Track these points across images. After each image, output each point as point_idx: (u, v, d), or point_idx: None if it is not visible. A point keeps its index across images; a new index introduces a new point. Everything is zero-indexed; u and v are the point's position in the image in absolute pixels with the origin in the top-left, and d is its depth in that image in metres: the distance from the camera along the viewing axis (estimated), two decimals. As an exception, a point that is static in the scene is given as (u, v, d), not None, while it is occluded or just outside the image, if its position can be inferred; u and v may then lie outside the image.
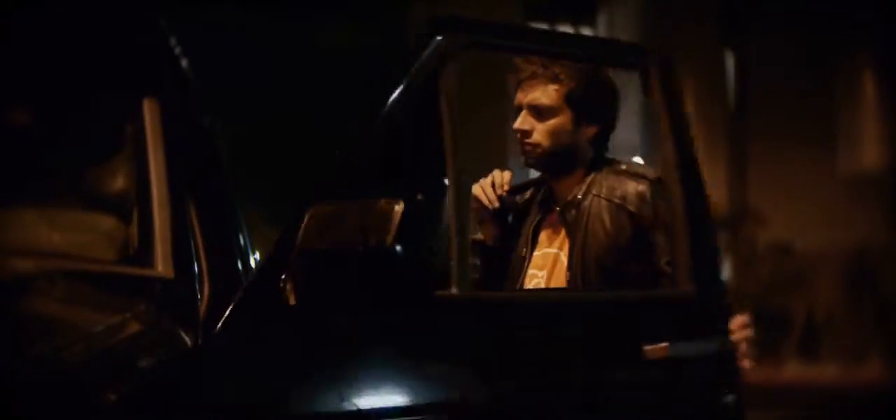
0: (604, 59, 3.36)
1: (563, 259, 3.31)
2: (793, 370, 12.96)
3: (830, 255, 13.68)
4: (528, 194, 3.49)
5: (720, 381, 3.16)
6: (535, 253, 3.37)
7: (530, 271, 3.36)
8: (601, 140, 3.35)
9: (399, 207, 2.51)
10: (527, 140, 3.30)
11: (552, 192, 3.40)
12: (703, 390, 3.15)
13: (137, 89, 2.87)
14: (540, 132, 3.28)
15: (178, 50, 3.08)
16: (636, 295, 3.18)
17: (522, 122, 3.30)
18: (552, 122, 3.28)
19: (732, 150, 15.41)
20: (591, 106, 3.30)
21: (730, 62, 15.71)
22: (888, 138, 14.16)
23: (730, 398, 3.17)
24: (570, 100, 3.28)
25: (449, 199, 2.75)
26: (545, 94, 3.28)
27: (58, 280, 2.59)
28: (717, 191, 15.32)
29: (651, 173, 3.27)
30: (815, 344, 13.42)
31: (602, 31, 18.60)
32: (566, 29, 18.98)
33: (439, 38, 2.80)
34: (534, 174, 3.52)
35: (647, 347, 2.98)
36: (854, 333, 13.18)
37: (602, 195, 3.25)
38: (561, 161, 3.32)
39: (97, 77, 2.91)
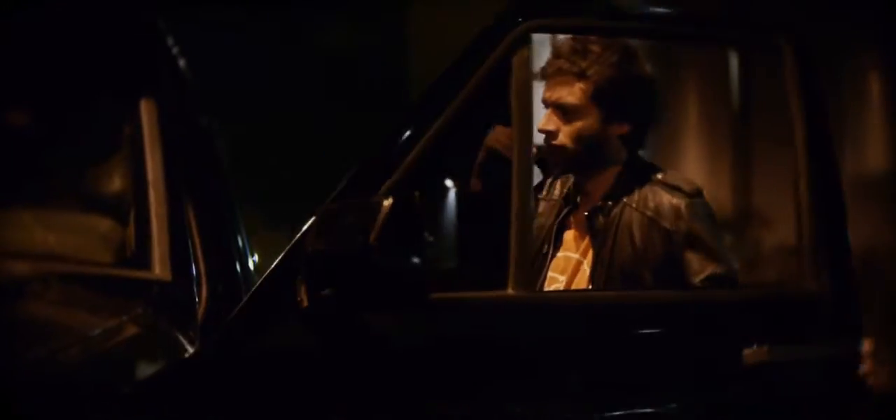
0: (724, 38, 3.13)
1: (586, 267, 3.15)
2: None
3: (836, 258, 13.65)
4: (550, 182, 3.34)
5: (836, 390, 2.91)
6: (558, 254, 3.23)
7: (550, 274, 3.22)
8: (635, 139, 3.17)
9: (387, 203, 2.46)
10: (552, 142, 3.13)
11: (579, 185, 3.24)
12: (812, 401, 2.90)
13: (135, 90, 2.86)
14: (565, 134, 3.11)
15: (175, 50, 3.08)
16: (747, 294, 3.03)
17: (547, 122, 3.13)
18: (578, 124, 3.11)
19: (737, 151, 15.39)
20: (622, 103, 3.12)
21: (734, 65, 15.70)
22: None
23: (847, 410, 2.93)
24: (597, 97, 3.10)
25: (514, 195, 2.68)
26: (571, 92, 3.11)
27: (54, 283, 2.59)
28: (721, 192, 15.34)
29: (689, 186, 3.11)
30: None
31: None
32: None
33: (520, 20, 2.74)
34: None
35: (747, 352, 2.79)
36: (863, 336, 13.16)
37: (634, 205, 3.09)
38: (589, 161, 3.15)
39: (94, 77, 2.91)
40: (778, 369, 2.81)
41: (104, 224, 2.83)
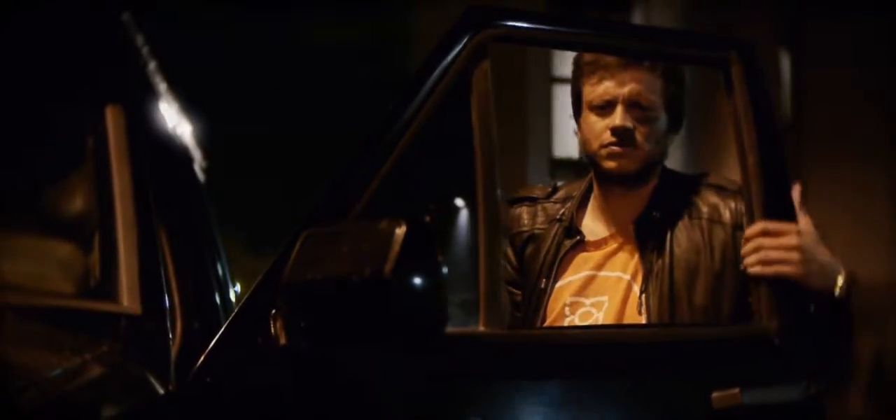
0: (676, 54, 3.17)
1: (636, 289, 3.19)
2: (859, 421, 12.91)
3: (902, 287, 13.64)
4: (530, 214, 3.42)
5: None
6: (600, 274, 3.26)
7: (574, 299, 3.25)
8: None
9: (401, 230, 2.45)
10: (625, 144, 3.15)
11: (579, 216, 3.32)
12: None
13: (99, 96, 2.86)
14: (643, 135, 3.14)
15: (145, 51, 3.08)
16: (708, 333, 3.08)
17: (624, 119, 3.13)
18: (658, 124, 3.16)
19: (788, 165, 15.39)
20: (679, 109, 3.20)
21: (785, 62, 15.71)
22: (968, 150, 14.13)
23: None
24: (667, 97, 3.16)
25: (480, 219, 2.71)
26: (651, 88, 3.14)
27: (7, 317, 2.58)
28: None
29: (733, 185, 3.17)
30: (885, 391, 13.36)
31: (637, 28, 18.63)
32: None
33: (474, 30, 2.78)
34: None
35: (716, 395, 2.86)
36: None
37: (685, 215, 3.14)
38: (648, 172, 3.20)
39: (51, 81, 2.91)
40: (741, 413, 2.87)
41: (64, 250, 2.83)
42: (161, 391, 2.52)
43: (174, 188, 2.99)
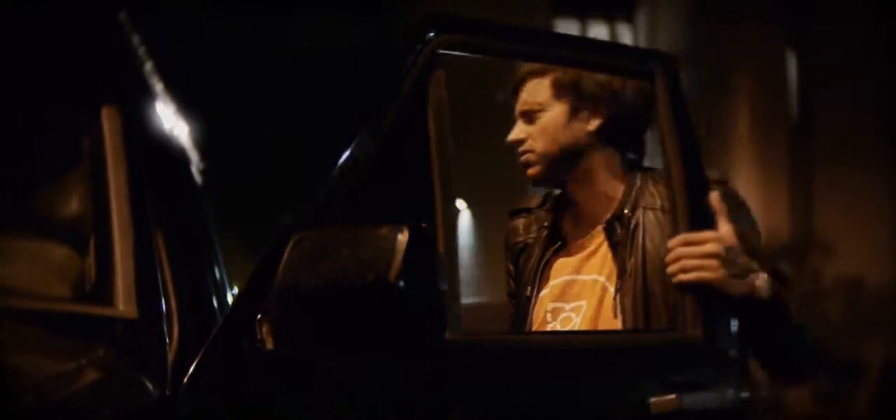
0: (606, 65, 3.28)
1: (611, 288, 3.25)
2: (867, 428, 12.91)
3: (912, 292, 13.63)
4: (525, 225, 3.49)
5: None
6: (579, 278, 3.32)
7: (554, 305, 3.31)
8: (611, 134, 3.29)
9: (403, 237, 2.50)
10: (523, 155, 3.29)
11: (559, 222, 3.38)
12: None
13: (95, 97, 2.87)
14: (532, 135, 3.27)
15: (142, 51, 3.08)
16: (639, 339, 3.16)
17: (516, 132, 3.30)
18: (542, 119, 3.27)
19: (795, 170, 15.40)
20: (589, 93, 3.26)
21: (793, 67, 15.71)
22: (978, 154, 14.12)
23: None
24: (558, 88, 3.25)
25: (437, 228, 2.74)
26: (533, 92, 3.28)
27: (2, 321, 2.58)
28: (777, 216, 15.36)
29: (712, 175, 3.21)
30: (893, 394, 13.35)
31: (642, 31, 18.65)
32: (600, 28, 19.05)
33: (430, 35, 2.82)
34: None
35: (654, 400, 2.97)
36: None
37: (657, 207, 3.20)
38: (565, 165, 3.28)
39: (47, 82, 2.91)
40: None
41: (60, 253, 2.83)
42: (157, 396, 2.52)
43: (171, 190, 2.99)
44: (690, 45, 16.65)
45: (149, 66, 3.12)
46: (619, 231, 3.23)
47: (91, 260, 2.74)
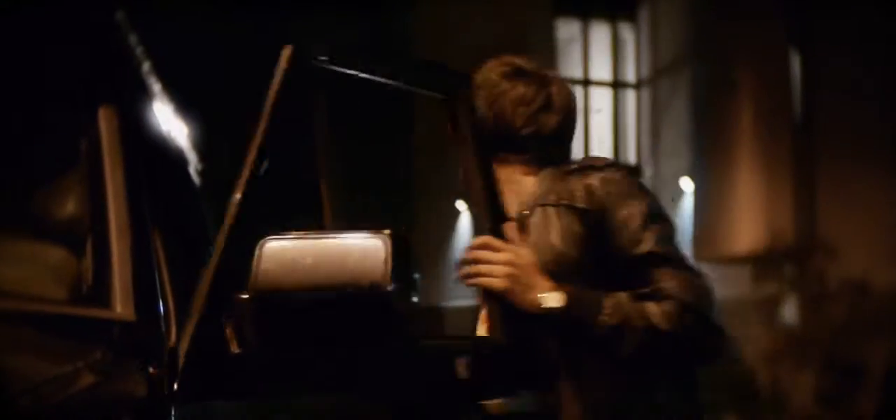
0: (414, 82, 3.40)
1: None
2: (870, 431, 12.90)
3: (916, 294, 13.63)
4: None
5: None
6: None
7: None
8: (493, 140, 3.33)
9: (389, 242, 2.59)
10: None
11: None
12: None
13: (92, 97, 2.87)
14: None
15: (140, 51, 3.08)
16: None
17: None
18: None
19: (798, 170, 15.40)
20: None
21: (796, 65, 15.72)
22: (983, 154, 14.12)
23: None
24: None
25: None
26: None
27: (-2, 323, 2.59)
28: (780, 217, 15.37)
29: (600, 161, 3.24)
30: (896, 396, 13.35)
31: (644, 29, 18.67)
32: (602, 28, 19.07)
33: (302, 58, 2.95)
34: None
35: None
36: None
37: (548, 202, 3.20)
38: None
39: (45, 83, 2.92)
40: None
41: (57, 254, 2.83)
42: (155, 398, 2.52)
43: (169, 191, 2.99)
44: (693, 44, 16.67)
45: (146, 66, 3.12)
46: (520, 226, 3.25)
47: (88, 261, 2.74)
